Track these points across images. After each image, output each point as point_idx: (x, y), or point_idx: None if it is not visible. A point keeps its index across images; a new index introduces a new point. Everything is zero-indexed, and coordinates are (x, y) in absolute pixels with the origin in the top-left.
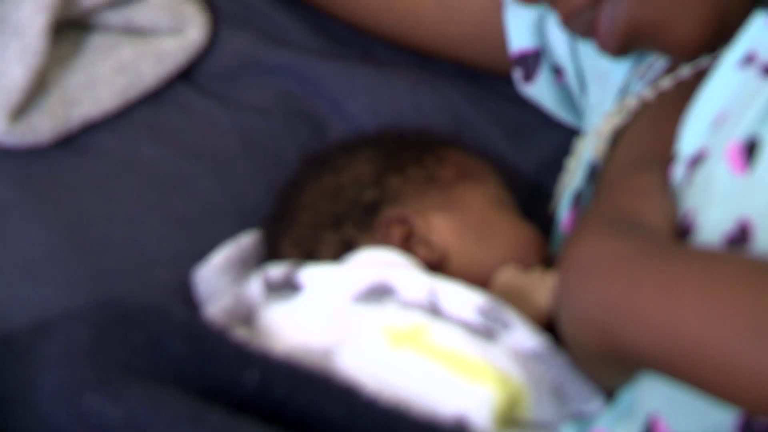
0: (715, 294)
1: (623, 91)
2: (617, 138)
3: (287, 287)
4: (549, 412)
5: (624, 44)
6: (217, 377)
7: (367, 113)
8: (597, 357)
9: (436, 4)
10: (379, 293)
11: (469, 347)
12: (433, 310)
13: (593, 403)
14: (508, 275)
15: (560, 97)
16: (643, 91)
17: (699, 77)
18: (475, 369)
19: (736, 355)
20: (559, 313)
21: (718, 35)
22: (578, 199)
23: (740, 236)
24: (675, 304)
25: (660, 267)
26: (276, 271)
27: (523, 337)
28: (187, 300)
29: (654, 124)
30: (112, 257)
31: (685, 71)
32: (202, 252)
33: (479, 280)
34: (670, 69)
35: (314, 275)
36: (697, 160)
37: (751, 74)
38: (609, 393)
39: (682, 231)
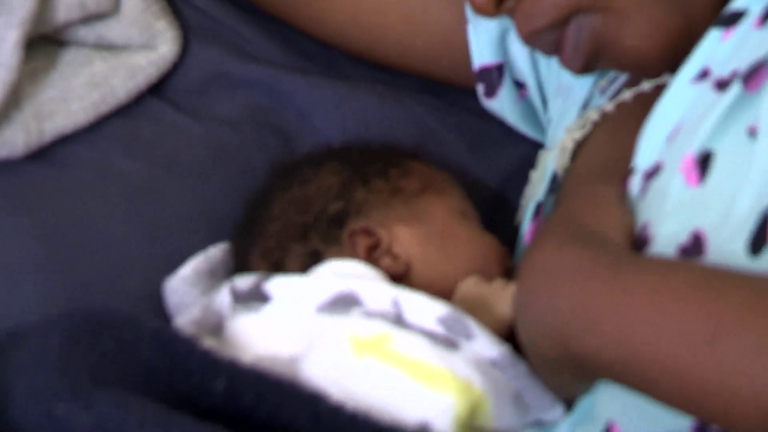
0: (668, 303)
1: (585, 105)
2: (577, 149)
3: (254, 298)
4: (510, 420)
5: (588, 63)
6: (185, 385)
7: (334, 126)
8: (555, 365)
9: (401, 19)
10: (344, 303)
11: (432, 356)
12: (397, 319)
13: (553, 412)
14: (470, 285)
15: (522, 111)
16: (603, 103)
17: (658, 90)
18: (438, 377)
19: (691, 364)
20: (517, 321)
21: (681, 54)
22: (539, 211)
23: (694, 247)
24: (629, 312)
25: (614, 276)
26: (243, 282)
27: (484, 346)
28: (159, 308)
29: (614, 136)
30: (86, 266)
31: (646, 85)
32: (173, 261)
33: (443, 290)
34: (631, 82)
35: (281, 286)
36: (652, 173)
37: (705, 89)
38: (569, 402)
39: (639, 242)
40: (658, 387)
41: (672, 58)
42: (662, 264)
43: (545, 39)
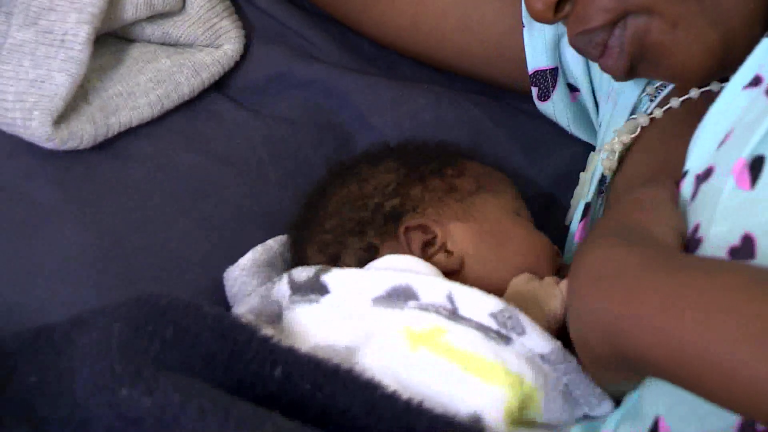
0: (715, 303)
1: (634, 111)
2: (626, 153)
3: (313, 289)
4: (559, 414)
5: (631, 67)
6: (244, 371)
7: (390, 126)
8: (604, 361)
9: (458, 23)
10: (400, 296)
11: (485, 349)
12: (451, 313)
13: (602, 407)
14: (521, 282)
15: (574, 113)
16: (652, 109)
17: (706, 97)
18: (490, 370)
19: (739, 364)
20: (568, 319)
21: (724, 63)
22: (588, 211)
23: (744, 249)
24: (677, 312)
25: (663, 276)
26: (302, 273)
27: (536, 342)
28: (218, 301)
29: (663, 141)
30: (146, 259)
31: (693, 92)
32: (232, 255)
33: (495, 286)
34: (679, 90)
35: (339, 278)
36: (704, 176)
37: (757, 95)
38: (617, 398)
39: (691, 243)
40: (705, 384)
41: (712, 70)
42: (711, 264)
43: (593, 41)
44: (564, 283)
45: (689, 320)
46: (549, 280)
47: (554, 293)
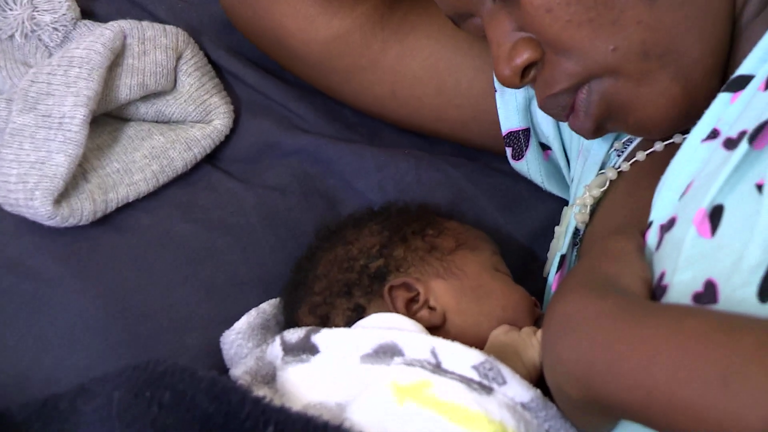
0: (685, 348)
1: (603, 165)
2: (597, 206)
3: (304, 349)
4: None
5: (597, 126)
6: (239, 431)
7: (374, 190)
8: (580, 406)
9: (435, 90)
10: (386, 353)
11: (468, 400)
12: (435, 367)
13: None
14: (501, 333)
15: (547, 171)
16: (619, 163)
17: (670, 149)
18: (474, 420)
19: (707, 406)
20: (544, 366)
21: (687, 115)
22: (564, 262)
23: (707, 294)
24: (648, 357)
25: (632, 324)
26: (293, 335)
27: (516, 390)
28: (217, 363)
29: (630, 194)
30: (148, 325)
31: (658, 145)
32: (229, 319)
33: (476, 338)
34: (645, 143)
35: (328, 338)
36: (668, 226)
37: (715, 147)
38: None
39: (656, 291)
40: (676, 427)
41: (676, 122)
42: (677, 310)
43: (560, 104)
44: (541, 333)
45: (657, 365)
46: (527, 330)
47: (532, 343)
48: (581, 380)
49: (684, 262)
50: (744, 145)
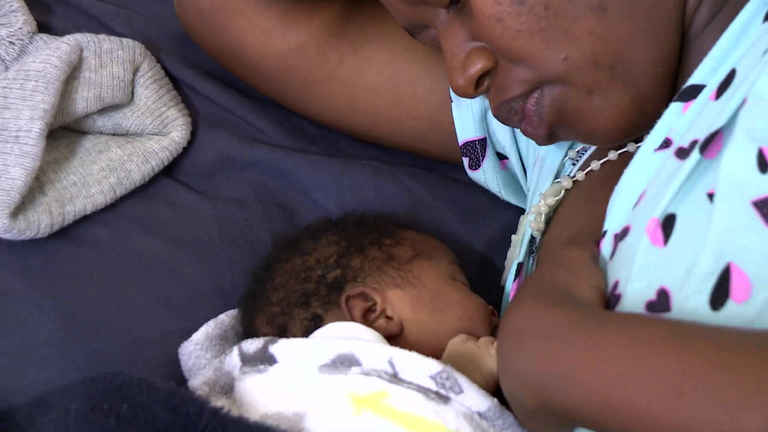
0: (637, 357)
1: (558, 174)
2: (553, 214)
3: (261, 360)
4: None
5: (550, 132)
6: None
7: (333, 201)
8: (535, 415)
9: (391, 102)
10: (343, 363)
11: (425, 410)
12: (393, 377)
13: None
14: (458, 343)
15: (504, 180)
16: (574, 172)
17: (624, 158)
18: (431, 429)
19: (661, 415)
20: (499, 376)
21: (638, 124)
22: (521, 270)
23: (660, 303)
24: (601, 367)
25: (585, 333)
26: (251, 345)
27: (473, 400)
28: (175, 375)
29: (585, 203)
30: (106, 339)
31: (612, 154)
32: (188, 330)
33: (434, 347)
34: (599, 153)
35: (285, 348)
36: (622, 235)
37: (667, 156)
38: None
39: (610, 300)
40: None
41: (627, 131)
42: (630, 319)
43: (513, 110)
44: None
45: (611, 373)
46: (484, 340)
47: (490, 353)
48: (536, 389)
49: (637, 271)
50: (695, 155)
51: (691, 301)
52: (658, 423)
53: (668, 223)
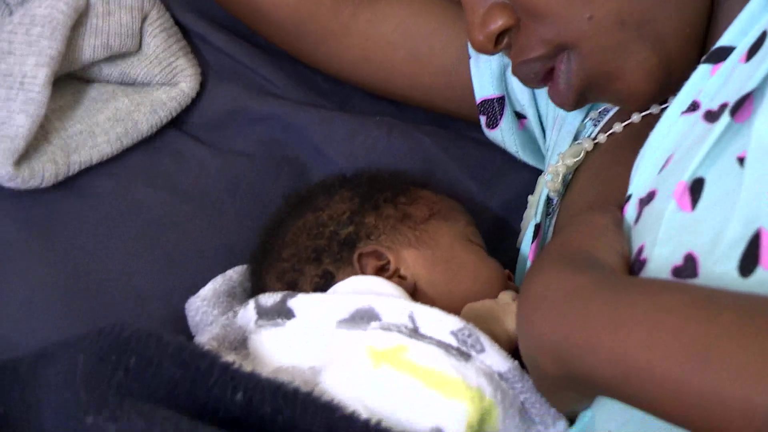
0: (663, 321)
1: (577, 135)
2: (572, 176)
3: (279, 314)
4: (514, 430)
5: (579, 97)
6: (206, 397)
7: (345, 157)
8: (555, 381)
9: (407, 56)
10: (363, 318)
11: (446, 365)
12: (413, 332)
13: (557, 427)
14: (476, 303)
15: (522, 140)
16: (595, 133)
17: (647, 121)
18: (451, 385)
19: (686, 382)
20: (519, 340)
21: (665, 85)
22: (539, 231)
23: (687, 268)
24: (624, 332)
25: (609, 298)
26: (269, 299)
27: (494, 360)
28: (180, 331)
29: (607, 167)
30: (108, 293)
31: (635, 117)
32: (193, 287)
33: (447, 310)
34: (621, 114)
35: (304, 302)
36: (647, 200)
37: (695, 120)
38: (571, 418)
39: (635, 265)
40: (655, 402)
41: (654, 92)
42: (656, 284)
43: (533, 71)
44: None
45: (635, 339)
46: (504, 296)
47: (510, 310)
48: (557, 356)
49: (663, 236)
50: (725, 118)
51: (719, 267)
52: (682, 391)
53: (696, 188)
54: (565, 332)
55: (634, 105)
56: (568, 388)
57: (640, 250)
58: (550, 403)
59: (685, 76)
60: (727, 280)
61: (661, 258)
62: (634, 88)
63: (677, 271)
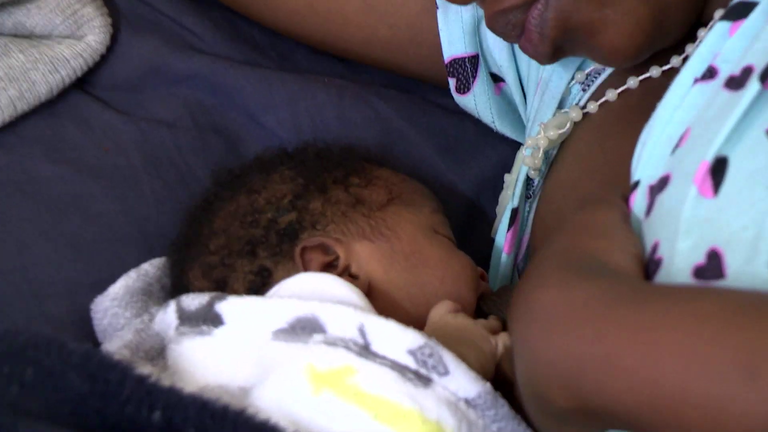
0: (696, 335)
1: (563, 101)
2: (557, 153)
3: (205, 320)
4: None
5: (554, 50)
6: (118, 416)
7: (286, 126)
8: (563, 416)
9: (363, 6)
10: (304, 329)
11: (399, 393)
12: (363, 349)
13: None
14: (448, 314)
15: (499, 107)
16: (584, 101)
17: (647, 87)
18: (404, 418)
19: (728, 400)
20: (518, 370)
21: (656, 40)
22: (516, 217)
23: (711, 268)
24: (651, 349)
25: (630, 310)
26: (193, 301)
27: (461, 383)
28: (85, 336)
29: (601, 143)
30: (1, 287)
31: (632, 81)
32: (101, 282)
33: (409, 316)
34: (615, 79)
35: (236, 307)
36: (659, 187)
37: (714, 89)
38: None
39: (649, 266)
40: (690, 429)
41: (643, 48)
42: (685, 292)
43: (510, 22)
44: (504, 336)
45: (666, 358)
46: (484, 322)
47: (485, 336)
48: (569, 384)
49: (682, 229)
50: (754, 85)
51: (749, 266)
52: (726, 414)
53: (719, 169)
54: (579, 355)
55: (618, 62)
56: (578, 422)
57: (655, 248)
58: None
59: (680, 32)
60: (758, 281)
61: (679, 256)
62: (619, 43)
63: (699, 272)
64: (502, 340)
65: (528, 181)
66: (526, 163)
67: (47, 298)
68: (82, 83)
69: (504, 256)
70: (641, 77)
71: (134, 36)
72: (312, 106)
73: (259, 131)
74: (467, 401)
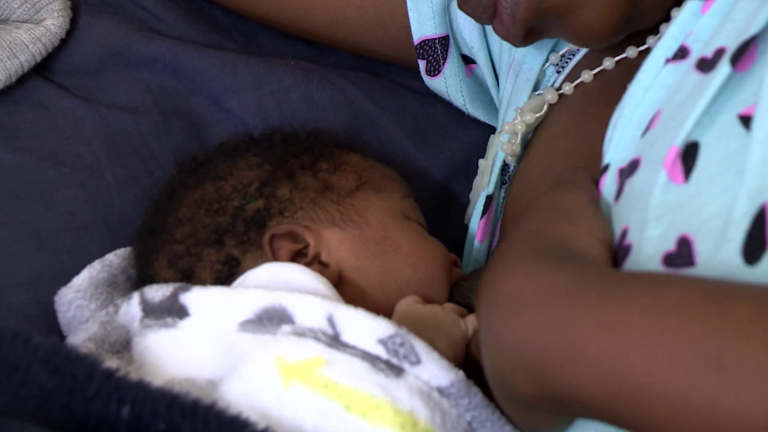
0: (661, 325)
1: (538, 84)
2: (533, 137)
3: (170, 312)
4: None
5: (528, 30)
6: (85, 413)
7: (252, 111)
8: (529, 402)
9: None
10: (272, 319)
11: (370, 384)
12: (332, 339)
13: None
14: (412, 303)
15: (471, 90)
16: (559, 82)
17: (623, 68)
18: (376, 409)
19: (695, 394)
20: (484, 356)
21: (631, 20)
22: (490, 204)
23: (681, 255)
24: (618, 337)
25: (596, 298)
26: (157, 293)
27: (433, 372)
28: (49, 329)
29: (576, 125)
30: None
31: (607, 62)
32: (64, 273)
33: (380, 304)
34: (590, 60)
35: (201, 298)
36: (629, 170)
37: (685, 69)
38: None
39: (618, 252)
40: (654, 421)
41: (618, 27)
42: (653, 278)
43: (481, 4)
44: (472, 318)
45: (631, 347)
46: (451, 306)
47: (454, 320)
48: (534, 371)
49: (651, 215)
50: (725, 67)
51: (719, 253)
52: (693, 406)
53: (690, 154)
54: (545, 342)
55: (593, 43)
56: (545, 409)
57: (624, 234)
58: (520, 427)
59: (657, 12)
60: (729, 269)
61: (649, 242)
62: (594, 22)
63: (669, 259)
64: (471, 323)
65: (504, 167)
66: (504, 150)
67: (9, 289)
68: (42, 69)
69: (477, 244)
70: (617, 58)
71: (94, 19)
72: (278, 89)
73: (223, 116)
74: (440, 390)
